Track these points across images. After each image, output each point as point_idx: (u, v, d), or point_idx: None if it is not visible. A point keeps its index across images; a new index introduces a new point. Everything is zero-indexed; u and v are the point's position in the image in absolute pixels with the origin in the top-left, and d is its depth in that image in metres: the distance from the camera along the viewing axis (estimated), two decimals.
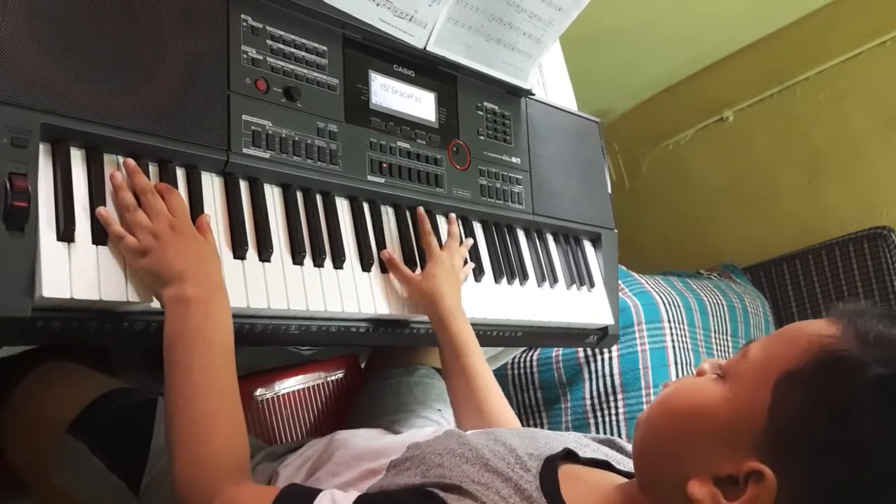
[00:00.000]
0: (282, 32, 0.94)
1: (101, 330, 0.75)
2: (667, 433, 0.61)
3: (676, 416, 0.61)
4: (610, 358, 1.74)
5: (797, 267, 2.46)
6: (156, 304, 0.75)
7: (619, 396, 1.73)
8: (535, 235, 1.25)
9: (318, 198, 0.97)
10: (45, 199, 0.72)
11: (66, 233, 0.72)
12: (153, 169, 0.82)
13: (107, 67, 0.77)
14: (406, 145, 1.06)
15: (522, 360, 1.87)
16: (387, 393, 1.17)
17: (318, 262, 0.93)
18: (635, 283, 1.85)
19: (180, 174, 0.84)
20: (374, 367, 1.26)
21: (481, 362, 0.97)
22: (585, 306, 1.27)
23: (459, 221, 1.13)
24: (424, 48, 1.08)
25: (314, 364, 1.26)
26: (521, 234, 1.23)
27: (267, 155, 0.90)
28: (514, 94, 1.24)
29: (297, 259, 0.90)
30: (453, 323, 0.97)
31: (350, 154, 0.99)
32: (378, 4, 0.99)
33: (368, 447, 0.79)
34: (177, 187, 0.82)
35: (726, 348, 2.02)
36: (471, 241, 1.11)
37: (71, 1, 0.75)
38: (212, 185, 0.87)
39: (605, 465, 0.71)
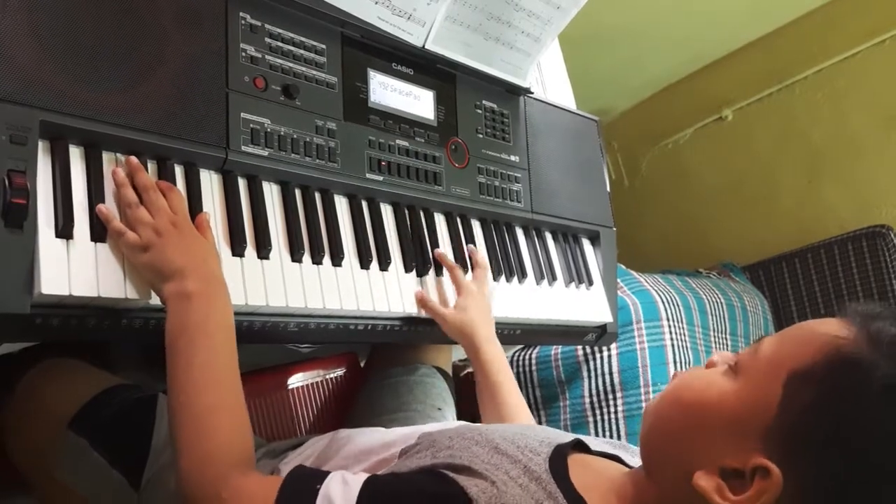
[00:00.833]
0: (280, 30, 0.94)
1: (100, 326, 0.75)
2: (675, 423, 0.62)
3: (686, 406, 0.61)
4: (609, 356, 1.74)
5: (796, 266, 2.46)
6: (155, 301, 0.76)
7: (618, 395, 1.73)
8: (534, 234, 1.25)
9: (317, 196, 0.97)
10: (44, 196, 0.73)
11: (64, 230, 0.72)
12: (152, 166, 0.82)
13: (106, 65, 0.77)
14: (405, 143, 1.06)
15: (521, 358, 1.87)
16: (386, 392, 1.17)
17: (317, 260, 0.93)
18: (634, 281, 1.85)
19: (179, 172, 0.84)
20: (374, 366, 1.26)
21: (513, 388, 0.99)
22: (584, 304, 1.28)
23: (458, 220, 1.13)
24: (423, 46, 1.08)
25: (313, 362, 1.27)
26: (519, 233, 1.24)
27: (265, 153, 0.90)
28: (512, 93, 1.24)
29: (296, 257, 0.91)
30: (487, 352, 1.00)
31: (349, 152, 0.99)
32: (377, 3, 1.00)
33: (377, 440, 0.79)
34: (175, 185, 0.82)
35: (725, 347, 2.02)
36: (486, 266, 1.10)
37: None
38: (210, 183, 0.87)
39: (615, 460, 0.72)
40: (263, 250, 0.87)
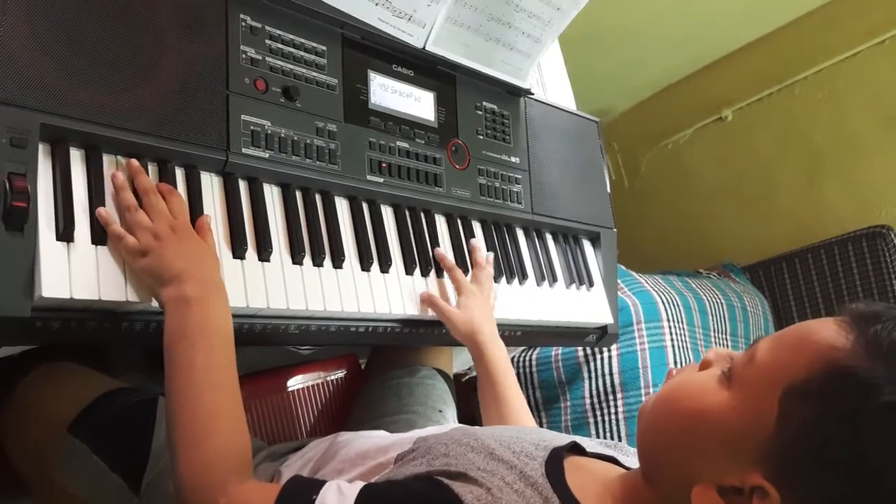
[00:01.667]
0: (281, 32, 0.94)
1: (100, 330, 0.75)
2: (670, 431, 0.61)
3: (680, 415, 0.60)
4: (609, 357, 1.74)
5: (796, 266, 2.46)
6: (155, 305, 0.75)
7: (619, 395, 1.73)
8: (535, 235, 1.25)
9: (318, 197, 0.97)
10: (45, 199, 0.72)
11: (65, 233, 0.72)
12: (152, 169, 0.82)
13: (106, 67, 0.77)
14: (405, 145, 1.06)
15: (522, 359, 1.87)
16: (387, 394, 1.17)
17: (318, 262, 0.93)
18: (634, 282, 1.85)
19: (179, 174, 0.84)
20: (375, 368, 1.26)
21: (515, 389, 1.00)
22: (585, 305, 1.27)
23: (459, 221, 1.13)
24: (423, 48, 1.08)
25: (314, 364, 1.26)
26: (520, 234, 1.23)
27: (266, 155, 0.90)
28: (513, 94, 1.24)
29: (297, 259, 0.90)
30: (491, 353, 1.00)
31: (349, 154, 0.99)
32: (377, 4, 0.99)
33: (374, 445, 0.79)
34: (176, 187, 0.82)
35: (725, 347, 2.01)
36: (491, 267, 1.10)
37: (71, 1, 0.76)
38: (211, 185, 0.87)
39: (610, 461, 0.72)
40: (264, 252, 0.87)
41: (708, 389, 0.59)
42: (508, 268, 1.17)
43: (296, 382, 1.22)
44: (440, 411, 1.15)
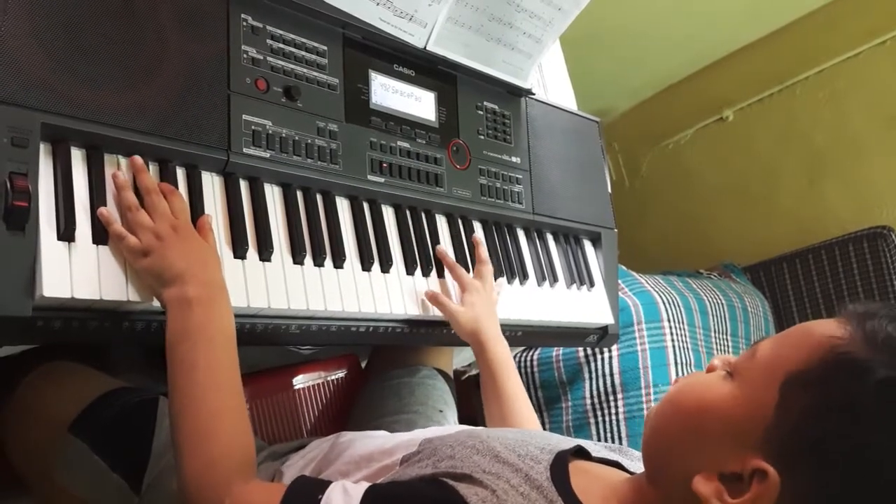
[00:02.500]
0: (282, 32, 0.94)
1: (101, 329, 0.75)
2: (674, 427, 0.62)
3: (684, 411, 0.61)
4: (610, 357, 1.74)
5: (797, 266, 2.45)
6: (156, 304, 0.75)
7: (619, 396, 1.73)
8: (535, 235, 1.25)
9: (319, 197, 0.97)
10: (46, 198, 0.72)
11: (66, 232, 0.72)
12: (153, 168, 0.82)
13: (107, 67, 0.77)
14: (406, 145, 1.06)
15: (522, 359, 1.87)
16: (388, 394, 1.17)
17: (319, 262, 0.93)
18: (635, 282, 1.85)
19: (180, 174, 0.84)
20: (375, 368, 1.26)
21: (518, 387, 1.00)
22: (585, 306, 1.27)
23: (460, 221, 1.13)
24: (424, 48, 1.08)
25: (315, 364, 1.26)
26: (521, 234, 1.23)
27: (267, 154, 0.90)
28: (514, 94, 1.24)
29: (298, 259, 0.90)
30: (492, 350, 1.00)
31: (350, 154, 0.99)
32: (378, 4, 0.99)
33: (379, 446, 0.79)
34: (177, 187, 0.82)
35: (726, 348, 2.02)
36: (490, 268, 1.10)
37: (72, 0, 0.76)
38: (212, 185, 0.87)
39: (615, 466, 0.72)
40: (265, 252, 0.87)
41: (712, 385, 0.60)
42: (509, 268, 1.17)
43: (297, 382, 1.22)
44: (440, 411, 1.15)
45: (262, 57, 0.91)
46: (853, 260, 2.31)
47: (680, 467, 0.59)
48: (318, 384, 1.25)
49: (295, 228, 0.92)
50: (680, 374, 1.73)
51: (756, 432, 0.55)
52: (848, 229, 2.35)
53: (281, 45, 0.94)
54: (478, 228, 1.17)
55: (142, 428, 0.89)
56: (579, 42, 1.64)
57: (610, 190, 1.39)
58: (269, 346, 0.99)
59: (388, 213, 1.05)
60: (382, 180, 1.02)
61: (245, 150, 0.88)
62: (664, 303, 1.79)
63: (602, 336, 1.32)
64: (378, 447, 0.79)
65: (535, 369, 1.85)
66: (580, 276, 1.28)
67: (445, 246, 1.09)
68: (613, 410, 1.74)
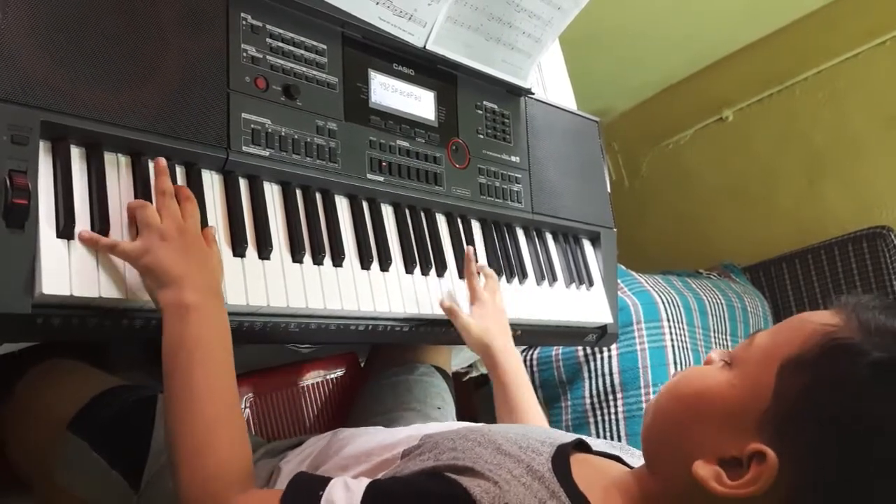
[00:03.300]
0: (281, 31, 0.94)
1: (101, 327, 0.75)
2: (674, 416, 0.63)
3: (683, 399, 0.62)
4: (609, 357, 1.74)
5: (796, 266, 2.46)
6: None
7: (619, 395, 1.73)
8: (535, 234, 1.25)
9: (318, 196, 0.97)
10: (46, 196, 0.72)
11: (66, 230, 0.72)
12: (153, 166, 0.82)
13: (107, 65, 0.77)
14: (405, 144, 1.06)
15: (522, 358, 1.87)
16: (386, 391, 1.17)
17: (318, 261, 0.93)
18: (634, 282, 1.85)
19: (180, 172, 0.84)
20: (374, 366, 1.26)
21: (532, 400, 1.00)
22: (585, 305, 1.28)
23: (459, 220, 1.13)
24: (424, 47, 1.08)
25: (313, 362, 1.26)
26: (520, 233, 1.24)
27: (266, 153, 0.90)
28: (513, 93, 1.24)
29: (297, 257, 0.91)
30: (505, 362, 1.01)
31: (349, 152, 0.99)
32: (378, 3, 1.00)
33: (379, 441, 0.79)
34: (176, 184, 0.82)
35: (725, 348, 2.02)
36: (498, 282, 1.11)
37: None
38: (211, 183, 0.87)
39: (615, 460, 0.72)
40: (264, 250, 0.87)
41: (709, 373, 0.62)
42: (508, 267, 1.17)
43: (296, 380, 1.22)
44: (439, 408, 1.15)
45: (261, 55, 0.92)
46: (853, 260, 2.31)
47: (680, 454, 0.60)
48: (318, 382, 1.25)
49: (294, 227, 0.92)
50: None
51: (754, 416, 0.56)
52: (847, 229, 2.35)
53: (280, 44, 0.94)
54: (477, 227, 1.17)
55: (141, 425, 0.89)
56: (579, 42, 1.64)
57: (609, 190, 1.39)
58: (268, 344, 0.99)
59: (388, 212, 1.05)
60: (382, 179, 1.03)
61: (244, 148, 0.88)
62: (663, 302, 1.80)
63: (601, 335, 1.32)
64: (378, 442, 0.79)
65: (535, 368, 1.85)
66: (579, 275, 1.28)
67: (445, 245, 1.09)
68: (613, 410, 1.74)
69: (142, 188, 0.80)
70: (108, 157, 0.79)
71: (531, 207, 1.23)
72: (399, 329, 1.02)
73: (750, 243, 2.62)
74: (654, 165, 3.00)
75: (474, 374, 1.68)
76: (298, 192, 0.95)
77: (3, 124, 0.69)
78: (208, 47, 0.86)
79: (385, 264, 1.00)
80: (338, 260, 0.95)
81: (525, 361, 1.87)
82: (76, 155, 0.76)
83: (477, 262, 1.10)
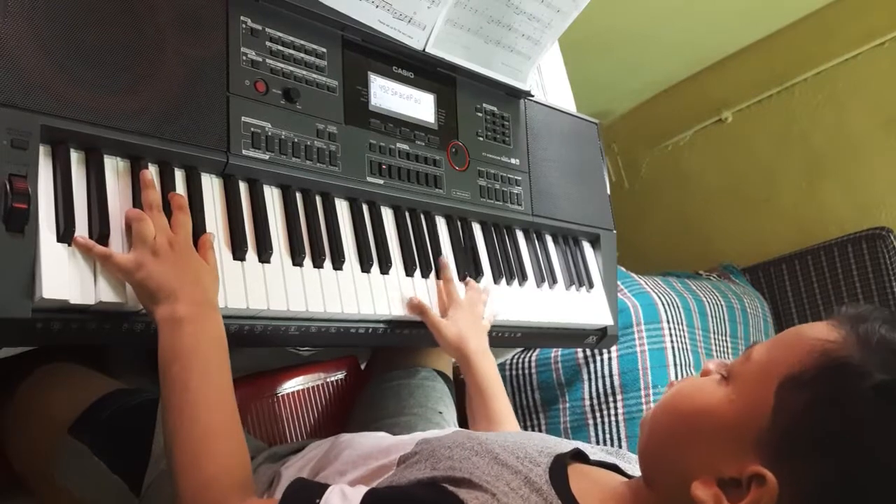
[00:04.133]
0: (281, 34, 0.94)
1: (100, 331, 0.75)
2: (670, 431, 0.62)
3: (680, 415, 0.61)
4: (609, 359, 1.74)
5: (796, 268, 2.46)
6: None
7: (619, 397, 1.73)
8: (535, 236, 1.25)
9: (318, 199, 0.97)
10: (45, 200, 0.72)
11: (65, 234, 0.72)
12: (153, 170, 0.82)
13: (107, 69, 0.77)
14: (405, 147, 1.06)
15: (521, 360, 1.87)
16: (387, 395, 1.17)
17: (318, 264, 0.93)
18: (634, 283, 1.85)
19: (180, 176, 0.84)
20: (375, 369, 1.26)
21: (507, 407, 0.99)
22: (584, 307, 1.28)
23: (459, 222, 1.13)
24: (423, 50, 1.08)
25: (314, 365, 1.26)
26: (520, 235, 1.24)
27: (266, 156, 0.90)
28: (513, 96, 1.24)
29: (297, 260, 0.90)
30: (478, 364, 0.99)
31: (349, 155, 0.99)
32: (377, 6, 1.00)
33: (376, 446, 0.79)
34: (176, 188, 0.82)
35: (725, 349, 2.02)
36: (489, 291, 1.11)
37: (71, 3, 0.76)
38: (211, 187, 0.87)
39: (613, 469, 0.72)
40: (264, 254, 0.87)
41: (707, 389, 0.60)
42: (508, 269, 1.17)
43: (296, 384, 1.22)
44: (440, 413, 1.15)
45: (261, 59, 0.92)
46: (852, 261, 2.31)
47: (677, 472, 0.59)
48: (318, 386, 1.25)
49: (294, 230, 0.92)
50: (679, 375, 1.73)
51: (753, 436, 0.55)
52: (847, 230, 2.35)
53: (280, 48, 0.94)
54: (477, 230, 1.17)
55: (141, 429, 0.89)
56: (578, 44, 1.65)
57: (609, 191, 1.39)
58: (268, 347, 0.99)
59: (388, 215, 1.05)
60: (382, 182, 1.03)
61: (244, 151, 0.88)
62: (663, 304, 1.80)
63: (601, 337, 1.32)
64: (375, 446, 0.79)
65: (534, 370, 1.85)
66: (579, 277, 1.28)
67: (445, 247, 1.09)
68: (612, 412, 1.74)
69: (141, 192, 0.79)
70: (108, 162, 0.79)
71: (531, 209, 1.23)
72: (400, 332, 1.02)
73: (749, 244, 2.63)
74: (654, 167, 3.00)
75: None
76: (298, 196, 0.95)
77: (2, 128, 0.69)
78: (208, 51, 0.86)
79: (385, 267, 1.00)
80: (338, 263, 0.95)
81: (524, 363, 1.87)
82: (76, 159, 0.76)
83: (466, 277, 1.09)
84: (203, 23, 0.86)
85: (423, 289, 1.04)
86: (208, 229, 0.83)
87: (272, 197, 0.92)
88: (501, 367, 1.87)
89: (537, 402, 1.86)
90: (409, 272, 1.03)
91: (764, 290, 2.50)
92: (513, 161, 1.22)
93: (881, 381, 0.52)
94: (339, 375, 1.28)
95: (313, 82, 0.97)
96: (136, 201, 0.79)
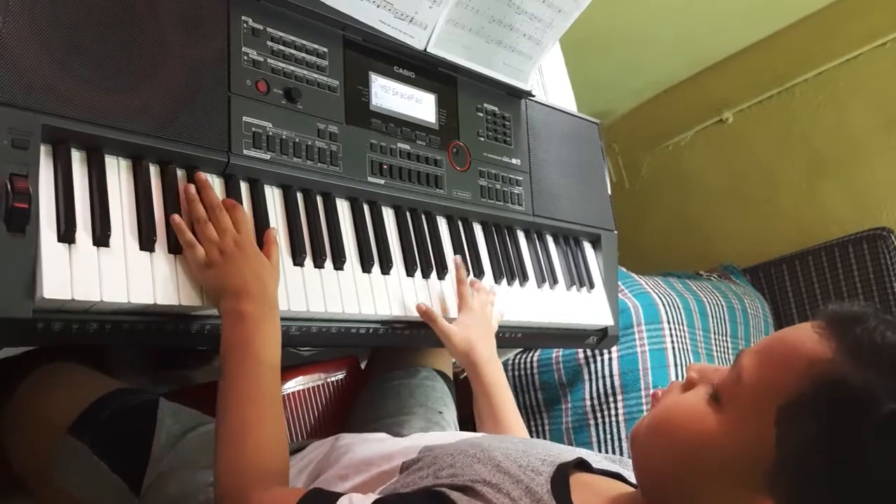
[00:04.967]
0: (282, 34, 0.94)
1: (101, 331, 0.75)
2: (666, 458, 0.59)
3: (676, 444, 0.59)
4: (610, 359, 1.74)
5: (797, 268, 2.46)
6: (156, 304, 0.76)
7: (619, 397, 1.73)
8: (535, 236, 1.25)
9: (319, 199, 0.97)
10: (46, 200, 0.72)
11: (67, 234, 0.72)
12: (154, 170, 0.82)
13: (108, 69, 0.77)
14: (406, 147, 1.06)
15: (522, 360, 1.87)
16: (388, 395, 1.17)
17: (319, 264, 0.93)
18: (635, 284, 1.85)
19: (181, 175, 0.84)
20: (375, 369, 1.26)
21: (514, 413, 1.00)
22: (585, 307, 1.28)
23: (460, 223, 1.13)
24: (425, 50, 1.08)
25: (314, 365, 1.26)
26: (521, 236, 1.24)
27: (267, 156, 0.90)
28: (514, 96, 1.24)
29: (298, 260, 0.90)
30: (487, 373, 1.01)
31: (350, 155, 0.99)
32: (378, 6, 0.99)
33: (378, 451, 0.79)
34: (177, 189, 0.82)
35: (726, 349, 2.02)
36: (495, 291, 1.12)
37: (72, 2, 0.76)
38: (213, 187, 0.87)
39: (617, 478, 0.71)
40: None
41: (699, 415, 0.57)
42: (509, 270, 1.17)
43: (296, 384, 1.22)
44: (440, 412, 1.15)
45: (262, 59, 0.91)
46: (853, 261, 2.31)
47: (681, 498, 0.58)
48: (318, 386, 1.25)
49: (295, 230, 0.92)
50: (679, 375, 1.73)
51: (759, 470, 0.53)
52: (847, 231, 2.35)
53: (281, 47, 0.94)
54: (478, 230, 1.17)
55: (141, 429, 0.89)
56: (579, 44, 1.64)
57: (610, 191, 1.39)
58: None
59: (389, 215, 1.05)
60: (383, 182, 1.02)
61: (245, 151, 0.88)
62: (664, 304, 1.80)
63: (602, 337, 1.32)
64: (378, 452, 0.79)
65: (535, 371, 1.85)
66: (580, 277, 1.28)
67: (446, 248, 1.09)
68: (613, 412, 1.74)
69: (143, 192, 0.80)
70: (109, 161, 0.79)
71: (532, 210, 1.23)
72: (400, 332, 1.02)
73: (750, 245, 2.63)
74: (655, 167, 3.00)
75: None
76: (299, 195, 0.95)
77: (4, 128, 0.69)
78: (209, 51, 0.86)
79: (386, 267, 1.00)
80: (339, 263, 0.95)
81: (525, 363, 1.87)
82: (77, 159, 0.76)
83: (470, 273, 1.10)
84: (204, 22, 0.86)
85: (424, 289, 1.04)
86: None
87: (273, 197, 0.92)
88: (503, 366, 1.87)
89: (540, 402, 1.86)
90: (409, 272, 1.03)
91: (764, 291, 2.49)
92: (514, 161, 1.22)
93: (892, 411, 0.49)
94: (340, 375, 1.28)
95: (314, 82, 0.97)
96: (138, 200, 0.79)
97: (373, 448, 0.81)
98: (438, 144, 1.11)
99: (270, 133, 0.91)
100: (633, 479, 0.69)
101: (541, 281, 1.22)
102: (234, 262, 0.78)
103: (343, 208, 1.00)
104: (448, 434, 0.84)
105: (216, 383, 0.76)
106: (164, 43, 0.82)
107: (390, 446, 0.80)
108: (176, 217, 0.80)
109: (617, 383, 1.73)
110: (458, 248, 1.11)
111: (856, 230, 2.32)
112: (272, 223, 0.90)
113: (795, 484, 0.52)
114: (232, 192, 0.87)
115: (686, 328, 1.84)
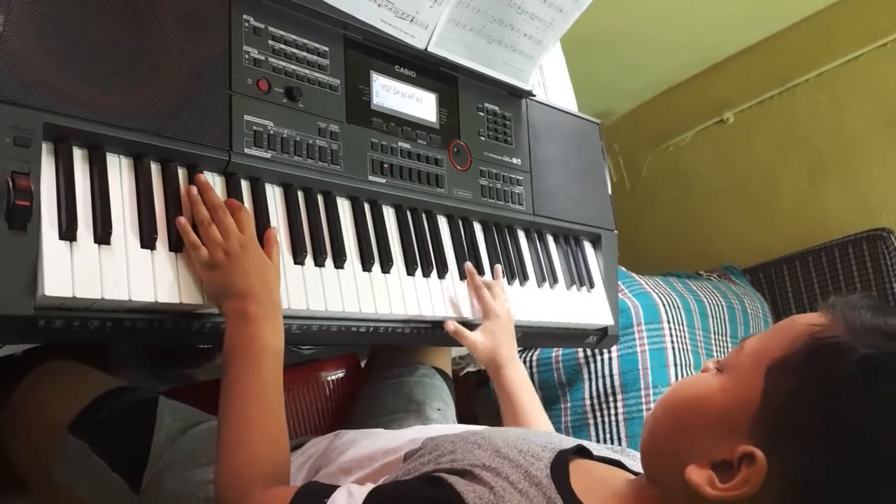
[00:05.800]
0: (283, 33, 0.94)
1: (102, 329, 0.75)
2: (667, 425, 0.63)
3: (676, 408, 0.63)
4: (609, 359, 1.75)
5: (797, 268, 2.46)
6: (156, 303, 0.76)
7: (619, 397, 1.73)
8: (536, 236, 1.25)
9: (320, 198, 0.97)
10: (48, 198, 0.72)
11: (68, 232, 0.72)
12: (155, 168, 0.82)
13: (109, 67, 0.77)
14: (407, 146, 1.06)
15: (522, 360, 1.87)
16: (387, 392, 1.17)
17: (319, 262, 0.93)
18: (635, 283, 1.85)
19: (182, 174, 0.84)
20: (374, 367, 1.26)
21: (537, 409, 1.02)
22: (585, 307, 1.28)
23: (460, 222, 1.14)
24: (426, 49, 1.08)
25: (314, 363, 1.26)
26: (521, 235, 1.24)
27: (268, 155, 0.90)
28: (514, 95, 1.24)
29: (299, 259, 0.91)
30: (508, 374, 1.03)
31: (351, 154, 0.99)
32: (379, 5, 1.00)
33: (382, 445, 0.80)
34: (178, 187, 0.82)
35: (726, 349, 2.02)
36: (503, 284, 1.13)
37: (74, 1, 0.76)
38: (213, 185, 0.87)
39: (617, 466, 0.72)
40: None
41: (701, 381, 0.62)
42: (509, 269, 1.17)
43: (296, 382, 1.22)
44: (439, 410, 1.15)
45: (263, 57, 0.92)
46: (853, 262, 2.31)
47: (675, 462, 0.60)
48: (318, 384, 1.25)
49: (296, 228, 0.92)
50: (679, 375, 1.73)
51: (744, 419, 0.56)
52: (848, 231, 2.35)
53: (282, 46, 0.94)
54: (478, 229, 1.17)
55: (141, 427, 0.89)
56: (580, 44, 1.65)
57: (610, 191, 1.39)
58: None
59: (389, 214, 1.05)
60: (383, 181, 1.03)
61: (246, 150, 0.88)
62: (664, 304, 1.80)
63: (602, 337, 1.32)
64: (381, 447, 0.79)
65: (535, 370, 1.86)
66: (580, 277, 1.28)
67: (446, 247, 1.09)
68: (613, 411, 1.74)
69: (144, 190, 0.80)
70: (111, 159, 0.79)
71: (532, 209, 1.23)
72: (400, 331, 1.02)
73: (750, 245, 2.63)
74: (655, 167, 3.00)
75: (471, 368, 1.67)
76: (300, 194, 0.95)
77: (5, 126, 0.69)
78: (210, 49, 0.86)
79: (386, 266, 1.00)
80: (339, 261, 0.95)
81: (525, 362, 1.87)
82: (78, 157, 0.77)
83: (481, 274, 1.11)
84: (206, 21, 0.86)
85: (424, 288, 1.04)
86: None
87: (274, 195, 0.92)
88: None
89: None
90: (410, 271, 1.03)
91: (764, 291, 2.50)
92: (514, 161, 1.22)
93: (865, 355, 0.53)
94: (340, 373, 1.28)
95: (315, 81, 0.97)
96: (139, 198, 0.79)
97: (377, 442, 0.81)
98: (439, 144, 1.11)
99: (271, 132, 0.91)
100: (633, 468, 0.70)
101: (541, 280, 1.22)
102: (238, 264, 0.78)
103: (344, 207, 1.00)
104: (450, 427, 0.85)
105: (216, 381, 0.76)
106: (165, 41, 0.82)
107: (394, 439, 0.80)
108: (181, 219, 0.80)
109: (617, 383, 1.74)
110: (458, 248, 1.11)
111: (856, 230, 2.32)
112: (273, 222, 0.90)
113: (776, 429, 0.55)
114: (233, 190, 0.88)
115: (686, 328, 1.84)
